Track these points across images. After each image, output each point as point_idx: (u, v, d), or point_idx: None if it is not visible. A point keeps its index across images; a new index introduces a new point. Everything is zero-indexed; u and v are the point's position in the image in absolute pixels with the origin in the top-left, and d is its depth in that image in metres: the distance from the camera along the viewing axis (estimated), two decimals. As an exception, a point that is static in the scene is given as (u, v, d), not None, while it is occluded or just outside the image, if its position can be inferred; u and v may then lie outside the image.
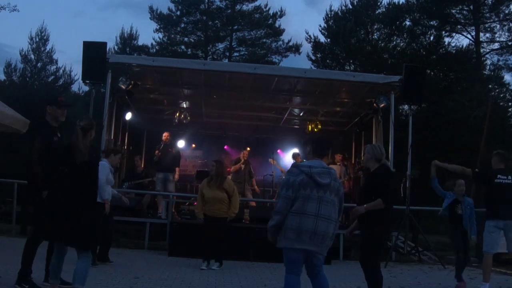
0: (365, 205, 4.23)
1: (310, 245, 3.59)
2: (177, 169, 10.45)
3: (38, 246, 4.39)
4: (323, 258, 3.75)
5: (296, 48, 26.04)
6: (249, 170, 11.09)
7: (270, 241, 3.78)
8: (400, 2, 23.03)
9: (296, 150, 12.34)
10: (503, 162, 5.86)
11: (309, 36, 24.81)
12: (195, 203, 9.86)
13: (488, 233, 5.67)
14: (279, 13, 26.22)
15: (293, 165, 3.83)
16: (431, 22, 22.69)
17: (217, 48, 26.69)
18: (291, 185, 3.62)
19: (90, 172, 3.93)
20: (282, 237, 3.64)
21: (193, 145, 13.82)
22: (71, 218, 3.76)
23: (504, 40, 22.66)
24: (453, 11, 22.67)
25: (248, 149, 11.70)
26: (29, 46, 24.76)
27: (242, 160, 10.96)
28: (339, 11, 24.74)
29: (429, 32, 22.69)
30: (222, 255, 6.83)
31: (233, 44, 26.32)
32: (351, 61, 23.40)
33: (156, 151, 10.37)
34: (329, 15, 24.92)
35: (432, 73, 20.79)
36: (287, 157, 12.77)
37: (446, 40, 22.61)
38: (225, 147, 13.85)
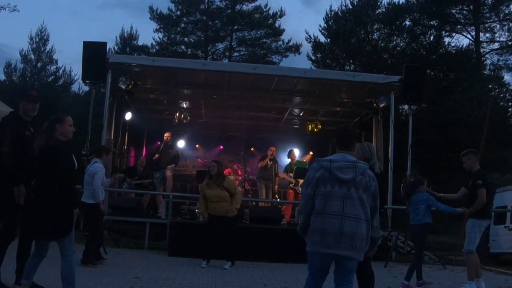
0: None
1: (338, 248, 3.17)
2: (172, 165, 10.50)
3: (8, 245, 4.30)
4: (356, 264, 3.28)
5: (296, 48, 26.07)
6: (276, 168, 11.02)
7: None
8: (400, 2, 23.10)
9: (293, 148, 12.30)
10: (478, 161, 5.84)
11: (309, 36, 24.88)
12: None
13: (479, 232, 5.64)
14: (279, 13, 26.27)
15: (315, 160, 3.49)
16: (431, 22, 22.73)
17: (217, 48, 26.73)
18: (309, 181, 3.29)
19: (49, 160, 3.78)
20: (309, 240, 3.29)
21: (198, 146, 13.82)
22: (41, 212, 3.70)
23: (504, 40, 22.77)
24: (453, 11, 22.71)
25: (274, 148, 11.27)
26: (29, 46, 24.83)
27: (269, 157, 10.81)
28: (339, 11, 24.78)
29: (429, 32, 22.74)
30: (233, 254, 6.95)
31: (233, 44, 26.34)
32: (351, 61, 23.42)
33: (156, 155, 10.39)
34: (329, 15, 24.95)
35: (432, 73, 20.81)
36: (285, 157, 12.77)
37: (446, 40, 22.70)
38: (220, 147, 13.84)
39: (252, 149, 13.18)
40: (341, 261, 3.24)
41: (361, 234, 3.19)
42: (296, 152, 12.11)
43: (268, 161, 10.82)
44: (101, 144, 8.37)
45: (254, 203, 10.92)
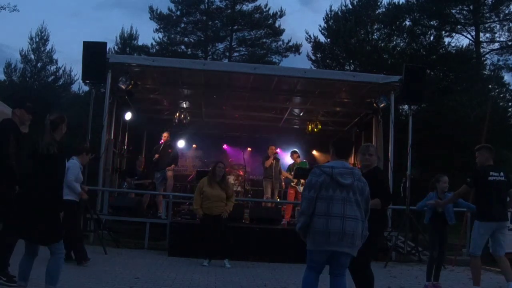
0: None
1: (340, 246, 3.55)
2: (172, 165, 10.50)
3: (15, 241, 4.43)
4: (350, 259, 3.68)
5: (296, 48, 26.04)
6: (279, 167, 11.03)
7: (302, 241, 3.73)
8: (400, 2, 23.03)
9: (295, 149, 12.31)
10: (492, 157, 5.49)
11: (309, 36, 24.83)
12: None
13: (480, 235, 5.31)
14: (279, 13, 26.24)
15: (315, 166, 3.83)
16: (431, 22, 22.68)
17: (217, 48, 26.70)
18: (312, 186, 3.62)
19: (53, 166, 3.73)
20: (311, 239, 3.62)
21: (194, 146, 13.84)
22: (35, 215, 3.65)
23: (504, 40, 22.68)
24: (453, 11, 22.66)
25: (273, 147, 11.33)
26: (29, 46, 24.79)
27: (272, 156, 10.82)
28: (339, 11, 24.72)
29: (429, 32, 22.68)
30: (229, 250, 7.13)
31: (233, 44, 26.32)
32: (351, 61, 23.38)
33: (156, 155, 10.40)
34: (329, 15, 24.89)
35: (432, 73, 20.78)
36: (286, 157, 12.76)
37: (446, 40, 22.63)
38: (224, 146, 13.86)
39: (249, 149, 13.20)
40: (338, 257, 3.61)
41: (359, 233, 3.59)
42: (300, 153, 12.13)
43: (273, 161, 10.85)
44: (85, 145, 8.25)
45: (254, 203, 10.92)
